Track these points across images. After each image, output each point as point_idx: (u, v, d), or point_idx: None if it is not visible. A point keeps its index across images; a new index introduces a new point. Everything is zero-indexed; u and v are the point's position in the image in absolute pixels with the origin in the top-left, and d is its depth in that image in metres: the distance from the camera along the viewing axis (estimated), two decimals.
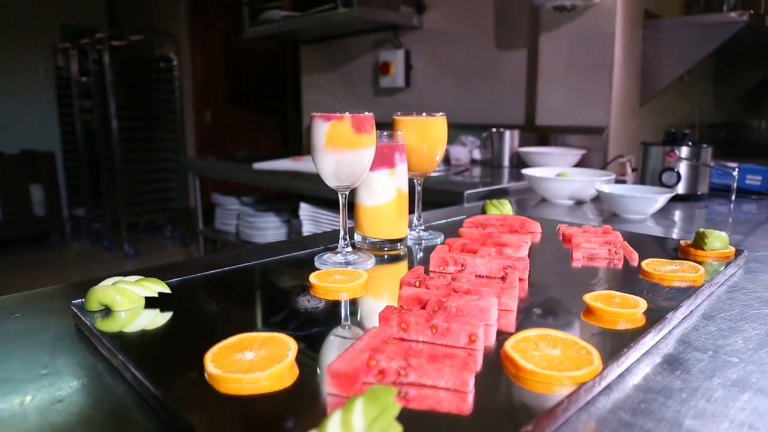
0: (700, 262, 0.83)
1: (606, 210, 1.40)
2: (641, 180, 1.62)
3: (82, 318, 0.62)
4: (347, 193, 0.90)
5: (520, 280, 0.75)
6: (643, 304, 0.63)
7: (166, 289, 0.69)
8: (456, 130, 2.58)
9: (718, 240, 0.88)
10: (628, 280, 0.79)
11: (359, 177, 0.87)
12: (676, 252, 0.93)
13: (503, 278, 0.74)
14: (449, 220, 1.23)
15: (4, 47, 5.26)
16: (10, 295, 0.75)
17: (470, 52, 2.73)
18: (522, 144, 2.40)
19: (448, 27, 2.81)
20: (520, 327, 0.59)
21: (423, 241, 1.02)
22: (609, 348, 0.54)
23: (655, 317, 0.61)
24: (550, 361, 0.49)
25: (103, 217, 5.26)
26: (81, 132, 5.31)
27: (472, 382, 0.46)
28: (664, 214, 1.37)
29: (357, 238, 0.97)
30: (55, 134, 5.65)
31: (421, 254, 0.96)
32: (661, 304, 0.66)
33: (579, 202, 1.52)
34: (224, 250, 2.91)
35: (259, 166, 2.46)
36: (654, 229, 1.21)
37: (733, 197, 1.53)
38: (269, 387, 0.47)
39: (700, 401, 0.47)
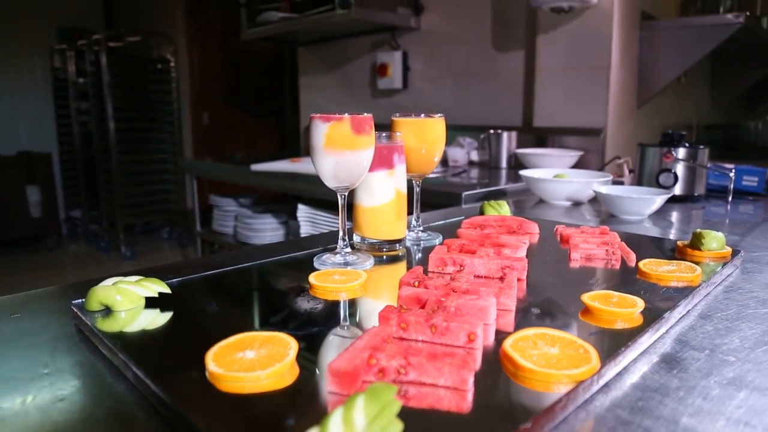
0: (697, 263, 0.83)
1: (603, 211, 1.40)
2: (638, 181, 1.62)
3: (83, 318, 0.62)
4: (346, 193, 0.90)
5: (519, 280, 0.76)
6: (640, 303, 0.63)
7: (167, 290, 0.69)
8: (454, 132, 2.58)
9: (715, 240, 0.89)
10: (626, 280, 0.79)
11: (358, 178, 0.87)
12: (673, 252, 0.94)
13: (502, 278, 0.75)
14: (447, 221, 1.24)
15: (0, 48, 5.25)
16: (10, 295, 0.75)
17: (468, 53, 2.74)
18: (519, 145, 2.41)
19: (445, 28, 2.81)
20: (518, 326, 0.60)
21: (421, 242, 1.03)
22: (607, 347, 0.54)
23: (652, 317, 0.62)
24: (549, 360, 0.49)
25: (100, 219, 5.25)
26: (78, 133, 5.30)
27: (471, 380, 0.47)
28: (661, 215, 1.38)
29: (356, 238, 0.98)
30: (52, 135, 5.64)
31: (420, 255, 0.97)
32: (659, 303, 0.67)
33: (576, 204, 1.52)
34: (223, 252, 2.90)
35: (256, 167, 2.46)
36: (651, 230, 1.22)
37: (730, 198, 1.54)
38: (270, 386, 0.47)
39: (697, 399, 0.48)
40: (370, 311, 0.69)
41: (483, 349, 0.54)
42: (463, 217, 1.17)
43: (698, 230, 0.91)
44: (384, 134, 0.94)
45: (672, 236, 1.18)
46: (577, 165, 2.17)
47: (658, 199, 1.29)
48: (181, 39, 5.35)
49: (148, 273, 0.73)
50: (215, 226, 3.08)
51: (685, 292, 0.71)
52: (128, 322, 0.63)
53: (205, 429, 0.41)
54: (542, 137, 2.43)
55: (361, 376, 0.47)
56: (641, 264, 0.81)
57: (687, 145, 1.55)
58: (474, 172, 2.31)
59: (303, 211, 2.41)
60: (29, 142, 5.41)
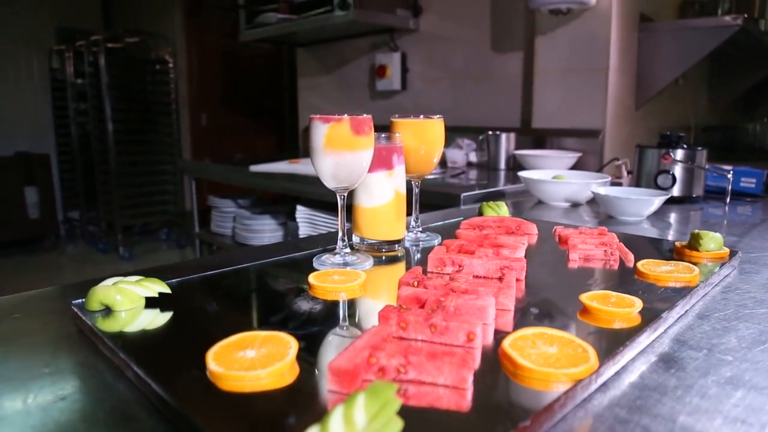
0: (695, 263, 0.84)
1: (602, 212, 1.41)
2: (637, 182, 1.63)
3: (83, 318, 0.63)
4: (345, 194, 0.91)
5: (517, 280, 0.76)
6: (638, 303, 0.64)
7: (167, 290, 0.69)
8: (452, 133, 2.58)
9: (713, 241, 0.89)
10: (624, 280, 0.80)
11: (358, 178, 0.88)
12: (671, 253, 0.94)
13: (500, 278, 0.75)
14: (446, 221, 1.24)
15: None
16: (10, 296, 0.75)
17: (466, 55, 2.74)
18: (518, 147, 2.42)
19: (444, 30, 2.82)
20: (517, 326, 0.60)
21: (420, 243, 1.03)
22: (605, 346, 0.54)
23: (650, 317, 0.62)
24: (547, 359, 0.49)
25: (98, 220, 5.25)
26: (76, 134, 5.30)
27: (470, 379, 0.47)
28: (659, 216, 1.38)
29: (355, 239, 0.98)
30: (50, 136, 5.64)
31: (419, 255, 0.97)
32: (657, 303, 0.67)
33: (575, 205, 1.53)
34: (222, 252, 2.91)
35: (255, 168, 2.46)
36: (649, 231, 1.22)
37: (728, 199, 1.55)
38: (271, 384, 0.47)
39: (694, 398, 0.48)
40: (370, 311, 0.69)
41: (482, 349, 0.55)
42: (461, 218, 1.17)
43: (696, 231, 0.91)
44: (383, 135, 0.94)
45: (670, 237, 1.18)
46: (576, 166, 2.18)
47: (657, 201, 1.29)
48: (179, 40, 5.35)
49: (148, 273, 0.74)
50: (214, 227, 3.08)
51: (683, 292, 0.71)
52: (128, 321, 0.63)
53: (206, 427, 0.41)
54: (541, 139, 2.43)
55: (361, 375, 0.47)
56: (639, 264, 0.82)
57: (685, 146, 1.55)
58: (473, 174, 2.31)
59: (302, 212, 2.41)
60: (27, 143, 5.40)
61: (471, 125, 2.71)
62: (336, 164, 0.84)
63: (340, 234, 0.91)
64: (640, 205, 1.29)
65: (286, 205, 2.89)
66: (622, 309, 0.62)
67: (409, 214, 1.03)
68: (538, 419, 0.43)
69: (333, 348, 0.57)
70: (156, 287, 0.68)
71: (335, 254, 0.90)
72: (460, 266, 0.79)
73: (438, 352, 0.49)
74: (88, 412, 0.47)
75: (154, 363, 0.51)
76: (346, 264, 0.87)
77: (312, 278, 0.75)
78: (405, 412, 0.40)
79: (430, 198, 1.71)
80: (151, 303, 0.68)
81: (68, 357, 0.57)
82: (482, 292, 0.65)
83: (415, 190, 1.07)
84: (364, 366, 0.48)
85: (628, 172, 1.81)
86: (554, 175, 1.63)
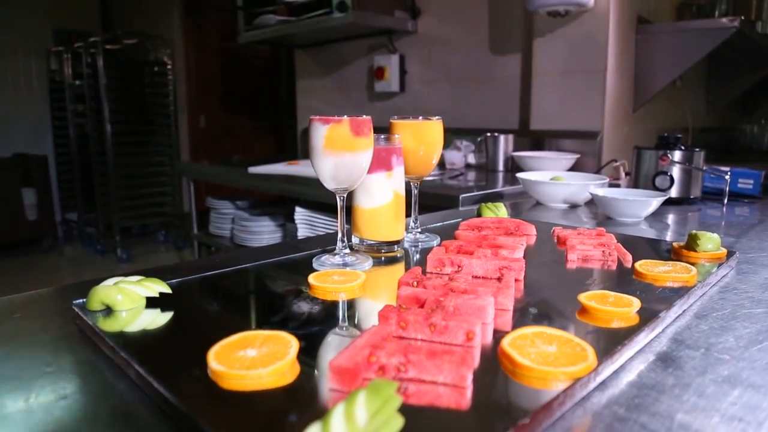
0: (692, 264, 0.84)
1: (600, 213, 1.41)
2: (635, 184, 1.63)
3: (84, 317, 0.63)
4: (345, 195, 0.91)
5: (516, 280, 0.77)
6: (636, 303, 0.64)
7: (167, 290, 0.69)
8: (451, 135, 2.59)
9: (711, 242, 0.90)
10: (622, 280, 0.80)
11: (357, 179, 0.88)
12: (669, 254, 0.95)
13: (499, 279, 0.76)
14: (445, 223, 1.24)
15: None
16: (10, 296, 0.75)
17: (465, 56, 2.75)
18: (516, 148, 2.42)
19: (442, 32, 2.83)
20: (516, 326, 0.60)
21: (419, 244, 1.04)
22: (603, 346, 0.55)
23: (648, 316, 0.62)
24: (546, 358, 0.50)
25: (96, 222, 5.24)
26: (74, 136, 5.30)
27: (470, 377, 0.47)
28: (657, 217, 1.39)
29: (354, 240, 0.98)
30: (48, 138, 5.64)
31: (418, 256, 0.97)
32: (655, 303, 0.67)
33: (573, 206, 1.53)
34: (222, 253, 2.91)
35: (254, 170, 2.47)
36: (647, 232, 1.23)
37: (726, 201, 1.55)
38: (272, 383, 0.48)
39: (692, 396, 0.48)
40: (370, 311, 0.70)
41: (481, 348, 0.55)
42: (460, 219, 1.17)
43: (694, 232, 0.91)
44: (382, 136, 0.94)
45: (668, 238, 1.19)
46: (574, 168, 2.18)
47: (654, 202, 1.30)
48: (178, 42, 5.36)
49: (148, 273, 0.74)
50: (212, 229, 3.08)
51: (681, 292, 0.72)
52: (129, 321, 0.63)
53: (208, 426, 0.42)
54: (539, 140, 2.44)
55: (361, 374, 0.47)
56: (637, 265, 0.82)
57: (683, 148, 1.56)
58: (471, 175, 2.32)
59: (300, 213, 2.42)
60: (25, 144, 5.41)
61: (469, 127, 2.71)
62: (335, 165, 0.84)
63: (339, 235, 0.91)
64: (638, 206, 1.30)
65: (285, 206, 2.90)
66: (620, 309, 0.63)
67: (408, 215, 1.04)
68: (537, 417, 0.43)
69: (333, 347, 0.57)
70: (157, 287, 0.69)
71: (335, 255, 0.90)
72: (459, 267, 0.80)
73: (438, 351, 0.49)
74: (89, 411, 0.48)
75: (155, 362, 0.52)
76: (345, 265, 0.87)
77: (312, 279, 0.76)
78: (405, 410, 0.41)
79: (428, 199, 1.71)
80: (151, 303, 0.68)
81: (69, 356, 0.58)
82: (481, 292, 0.65)
83: (414, 191, 1.08)
84: (365, 364, 0.48)
85: (626, 174, 1.81)
86: (552, 176, 1.63)
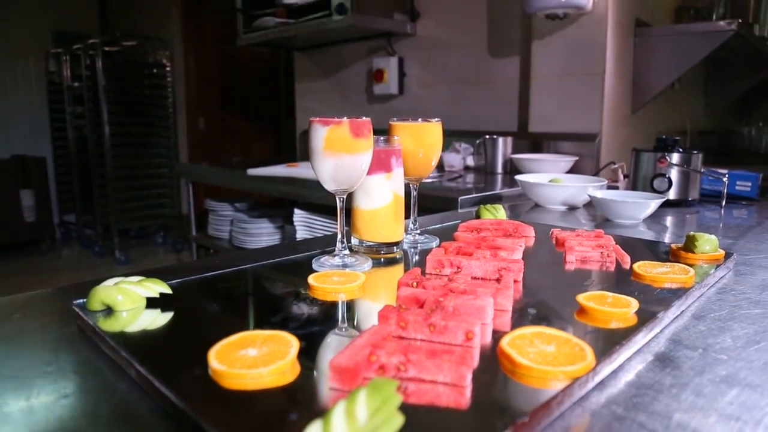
0: (690, 265, 0.85)
1: (598, 215, 1.42)
2: (633, 186, 1.64)
3: (84, 318, 0.63)
4: (345, 196, 0.91)
5: (515, 281, 0.77)
6: (634, 304, 0.64)
7: (168, 290, 0.70)
8: (449, 137, 2.59)
9: (708, 243, 0.90)
10: (620, 281, 0.81)
11: (357, 181, 0.88)
12: (667, 255, 0.95)
13: (498, 280, 0.76)
14: (444, 224, 1.25)
15: None
16: (10, 296, 0.76)
17: (463, 59, 2.76)
18: (515, 151, 2.42)
19: (441, 34, 2.83)
20: (515, 326, 0.60)
21: (419, 245, 1.04)
22: (602, 346, 0.55)
23: (646, 317, 0.63)
24: (545, 357, 0.50)
25: (94, 223, 5.24)
26: (73, 137, 5.30)
27: (469, 376, 0.47)
28: (655, 219, 1.39)
29: (354, 241, 0.99)
30: (47, 139, 5.64)
31: (417, 257, 0.98)
32: (653, 304, 0.68)
33: (572, 208, 1.54)
34: (222, 254, 2.91)
35: (253, 172, 2.47)
36: (646, 234, 1.23)
37: (724, 203, 1.56)
38: (272, 382, 0.48)
39: (690, 396, 0.49)
40: (369, 311, 0.70)
41: (480, 348, 0.55)
42: (459, 221, 1.18)
43: (692, 233, 0.92)
44: (382, 138, 0.95)
45: (666, 240, 1.19)
46: (572, 170, 2.19)
47: (653, 204, 1.30)
48: (177, 44, 5.36)
49: (149, 274, 0.74)
50: (211, 231, 3.08)
51: (679, 293, 0.72)
52: (130, 321, 0.64)
53: (210, 424, 0.42)
54: (537, 143, 2.44)
55: (361, 373, 0.48)
56: (635, 266, 0.83)
57: (681, 150, 1.56)
58: (470, 177, 2.32)
59: (299, 215, 2.42)
60: (23, 145, 5.40)
61: (468, 129, 2.72)
62: (335, 166, 0.85)
63: (339, 236, 0.91)
64: (636, 208, 1.30)
65: (284, 208, 2.90)
66: (618, 309, 0.63)
67: (407, 216, 1.04)
68: (536, 416, 0.43)
69: (333, 347, 0.58)
70: (157, 287, 0.69)
71: (334, 256, 0.90)
72: (458, 268, 0.80)
73: (437, 351, 0.50)
74: (90, 410, 0.48)
75: (156, 361, 0.52)
76: (345, 266, 0.87)
77: (312, 279, 0.76)
78: (405, 409, 0.41)
79: (427, 201, 1.72)
80: (152, 303, 0.68)
81: (70, 356, 0.58)
82: (480, 292, 0.65)
83: (413, 193, 1.08)
84: (365, 364, 0.48)
85: (625, 176, 1.82)
86: (551, 178, 1.64)
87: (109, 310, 0.66)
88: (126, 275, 0.72)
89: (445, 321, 0.55)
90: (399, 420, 0.38)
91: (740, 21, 2.14)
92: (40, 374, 0.53)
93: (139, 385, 0.51)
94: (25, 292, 0.77)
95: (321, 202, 2.19)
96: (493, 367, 0.52)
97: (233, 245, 2.89)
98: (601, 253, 0.91)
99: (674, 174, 1.56)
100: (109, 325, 0.62)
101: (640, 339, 0.59)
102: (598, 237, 0.99)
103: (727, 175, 1.57)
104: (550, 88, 2.37)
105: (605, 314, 0.63)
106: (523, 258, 0.89)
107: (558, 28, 2.28)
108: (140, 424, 0.46)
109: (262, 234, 2.80)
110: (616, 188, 1.72)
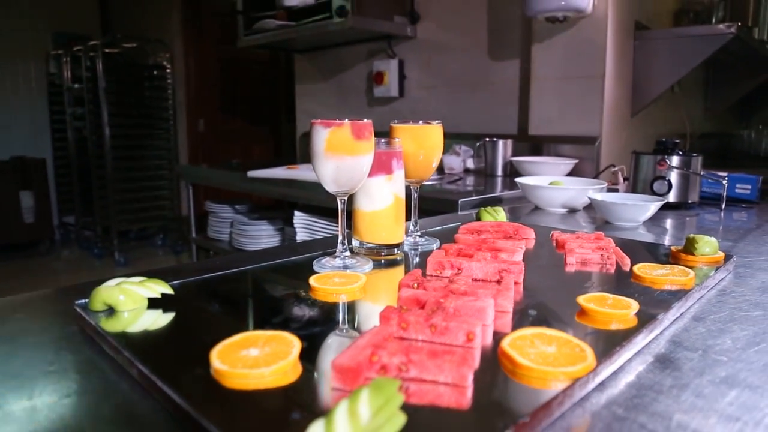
0: (690, 267, 0.85)
1: (598, 218, 1.42)
2: (633, 189, 1.64)
3: (86, 318, 0.63)
4: (346, 198, 0.92)
5: (515, 283, 0.77)
6: (635, 305, 0.65)
7: (169, 290, 0.70)
8: (449, 140, 2.59)
9: (708, 245, 0.90)
10: (621, 283, 0.81)
11: (358, 182, 0.89)
12: (667, 257, 0.95)
13: (499, 281, 0.76)
14: (444, 226, 1.25)
15: None
16: (11, 296, 0.76)
17: (463, 62, 2.76)
18: (515, 153, 2.43)
19: (441, 37, 2.84)
20: (515, 327, 0.61)
21: (419, 247, 1.04)
22: (602, 347, 0.55)
23: (646, 318, 0.63)
24: (546, 358, 0.50)
25: (94, 225, 5.24)
26: (73, 139, 5.30)
27: (470, 377, 0.48)
28: (655, 221, 1.39)
29: (355, 243, 0.99)
30: (47, 141, 5.64)
31: (418, 259, 0.98)
32: (653, 306, 0.68)
33: (572, 211, 1.54)
34: (223, 255, 2.91)
35: (253, 174, 2.47)
36: (646, 236, 1.23)
37: (723, 205, 1.56)
38: (274, 382, 0.48)
39: (690, 397, 0.49)
40: (370, 312, 0.70)
41: (481, 348, 0.56)
42: (459, 223, 1.18)
43: (692, 235, 0.92)
44: (383, 140, 0.95)
45: (666, 242, 1.19)
46: (572, 173, 2.19)
47: (653, 206, 1.30)
48: (177, 46, 5.36)
49: (150, 274, 0.74)
50: (210, 233, 3.08)
51: (679, 295, 0.72)
52: (131, 322, 0.64)
53: (212, 424, 0.42)
54: (537, 145, 2.45)
55: (363, 373, 0.48)
56: (635, 268, 0.83)
57: (681, 153, 1.57)
58: (470, 180, 2.32)
59: (299, 217, 2.42)
60: (23, 147, 5.41)
61: (468, 132, 2.72)
62: (337, 168, 0.85)
63: (340, 237, 0.92)
64: (636, 210, 1.30)
65: (284, 210, 2.90)
66: (618, 311, 0.63)
67: (408, 218, 1.04)
68: (536, 416, 0.43)
69: (335, 348, 0.58)
70: (159, 288, 0.69)
71: (335, 257, 0.90)
72: (459, 269, 0.80)
73: (438, 351, 0.50)
74: (93, 410, 0.48)
75: (158, 361, 0.52)
76: (346, 267, 0.87)
77: (313, 281, 0.76)
78: (406, 409, 0.41)
79: (427, 204, 1.72)
80: (153, 304, 0.68)
81: (72, 356, 0.58)
82: (481, 294, 0.66)
83: (414, 195, 1.08)
84: (367, 364, 0.48)
85: (625, 179, 1.82)
86: (551, 181, 1.64)
87: (110, 311, 0.66)
88: (128, 276, 0.72)
89: (446, 322, 0.56)
90: (401, 419, 0.38)
91: (739, 24, 2.15)
92: (42, 374, 0.53)
93: (140, 385, 0.51)
94: (25, 293, 0.77)
95: (321, 204, 2.19)
96: (494, 367, 0.52)
97: (233, 247, 2.89)
98: (602, 255, 0.91)
99: (674, 177, 1.56)
100: (111, 325, 0.62)
101: (641, 340, 0.59)
102: (599, 239, 0.99)
103: (726, 178, 1.58)
104: (550, 90, 2.37)
105: (605, 316, 0.63)
106: (523, 260, 0.89)
107: (558, 31, 2.29)
108: (142, 424, 0.46)
109: (262, 236, 2.80)
110: (616, 191, 1.73)
